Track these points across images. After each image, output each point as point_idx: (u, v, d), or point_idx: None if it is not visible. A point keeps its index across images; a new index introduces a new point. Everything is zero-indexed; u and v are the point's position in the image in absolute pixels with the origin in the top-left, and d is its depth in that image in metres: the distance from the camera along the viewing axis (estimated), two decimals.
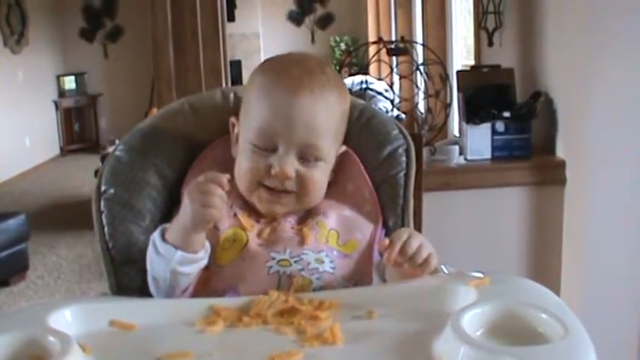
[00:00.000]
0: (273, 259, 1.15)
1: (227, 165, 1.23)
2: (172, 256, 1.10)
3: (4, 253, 4.61)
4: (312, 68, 1.21)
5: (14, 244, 4.70)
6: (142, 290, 1.18)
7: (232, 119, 1.27)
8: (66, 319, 0.99)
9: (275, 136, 1.17)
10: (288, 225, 1.21)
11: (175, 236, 1.11)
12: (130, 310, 1.05)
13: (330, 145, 1.22)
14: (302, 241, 1.18)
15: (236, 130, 1.26)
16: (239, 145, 1.23)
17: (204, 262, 1.13)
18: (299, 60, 1.24)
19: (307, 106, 1.16)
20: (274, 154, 1.17)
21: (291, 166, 1.17)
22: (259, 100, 1.19)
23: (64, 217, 6.62)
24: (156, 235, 1.13)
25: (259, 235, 1.19)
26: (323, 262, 1.17)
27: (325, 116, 1.19)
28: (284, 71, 1.20)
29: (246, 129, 1.21)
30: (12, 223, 4.72)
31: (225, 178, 1.07)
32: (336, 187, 1.27)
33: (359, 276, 1.18)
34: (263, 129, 1.17)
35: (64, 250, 5.54)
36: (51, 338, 0.89)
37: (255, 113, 1.19)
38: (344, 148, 1.28)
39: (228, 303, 1.05)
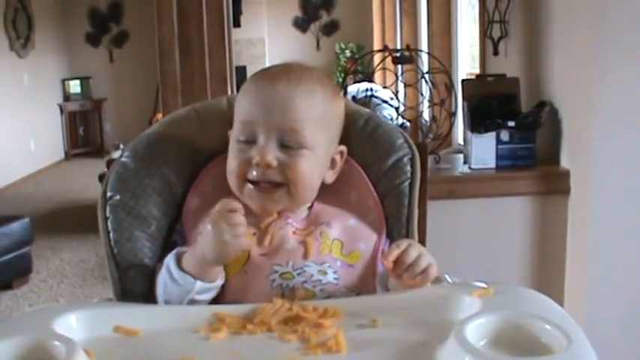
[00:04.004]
0: (276, 272, 1.15)
1: (226, 183, 1.24)
2: (191, 286, 1.11)
3: (8, 257, 4.62)
4: (292, 67, 1.24)
5: (18, 247, 4.70)
6: (146, 296, 1.19)
7: (230, 132, 1.27)
8: (71, 325, 1.00)
9: (254, 125, 1.17)
10: (290, 229, 1.20)
11: (194, 266, 1.11)
12: (135, 316, 1.06)
13: (315, 134, 1.19)
14: (305, 253, 1.17)
15: None
16: (229, 148, 1.24)
17: (222, 282, 1.14)
18: (284, 64, 1.28)
19: (283, 92, 1.17)
20: (255, 145, 1.18)
21: (272, 153, 1.16)
22: (242, 99, 1.22)
23: (67, 221, 6.64)
24: (171, 262, 1.13)
25: (260, 243, 1.18)
26: (326, 273, 1.17)
27: (303, 102, 1.18)
28: (266, 72, 1.24)
29: (234, 129, 1.22)
30: (16, 226, 4.73)
31: (238, 204, 1.09)
32: (339, 196, 1.27)
33: (363, 286, 1.18)
34: (243, 121, 1.19)
35: (67, 254, 5.55)
36: (56, 343, 0.89)
37: (238, 110, 1.22)
38: (343, 147, 1.28)
39: (232, 310, 1.05)
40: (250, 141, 1.18)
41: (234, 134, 1.21)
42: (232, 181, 1.21)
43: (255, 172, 1.17)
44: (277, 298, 1.07)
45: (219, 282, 1.13)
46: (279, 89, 1.18)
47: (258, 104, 1.18)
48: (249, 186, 1.18)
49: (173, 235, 1.27)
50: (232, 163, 1.21)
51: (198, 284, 1.10)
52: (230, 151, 1.22)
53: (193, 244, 1.13)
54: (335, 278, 1.17)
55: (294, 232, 1.20)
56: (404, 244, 1.09)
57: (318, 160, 1.22)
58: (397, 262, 1.07)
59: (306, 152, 1.19)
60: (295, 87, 1.18)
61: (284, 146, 1.17)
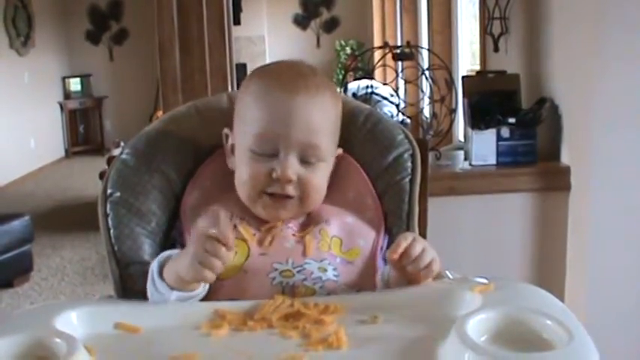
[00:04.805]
0: (276, 269, 1.15)
1: (224, 179, 1.24)
2: (169, 295, 1.08)
3: (9, 255, 4.62)
4: (304, 71, 1.21)
5: (18, 245, 4.71)
6: (147, 293, 1.18)
7: (225, 130, 1.26)
8: (72, 322, 1.00)
9: (275, 139, 1.16)
10: (290, 232, 1.20)
11: (172, 278, 1.08)
12: (136, 312, 1.06)
13: (329, 145, 1.21)
14: (304, 251, 1.17)
15: (230, 142, 1.25)
16: (237, 154, 1.23)
17: (204, 293, 1.11)
18: (290, 65, 1.25)
19: (305, 106, 1.16)
20: (275, 159, 1.16)
21: (293, 168, 1.16)
22: (255, 106, 1.18)
23: (68, 218, 6.64)
24: (154, 269, 1.11)
25: (260, 243, 1.18)
26: (326, 270, 1.16)
27: (322, 115, 1.19)
28: (278, 76, 1.20)
29: (243, 136, 1.20)
30: (16, 224, 4.73)
31: (232, 239, 1.03)
32: (337, 194, 1.27)
33: (362, 283, 1.18)
34: (262, 134, 1.16)
35: (68, 252, 5.55)
36: (57, 340, 0.89)
37: (252, 119, 1.18)
38: (340, 150, 1.28)
39: (233, 307, 1.05)
40: (268, 154, 1.17)
41: (246, 143, 1.18)
42: (245, 191, 1.20)
43: (275, 187, 1.17)
44: (278, 295, 1.07)
45: (199, 291, 1.10)
46: (299, 102, 1.16)
47: (278, 118, 1.16)
48: (266, 197, 1.18)
49: (172, 232, 1.27)
50: (245, 174, 1.19)
51: (175, 294, 1.08)
52: (241, 160, 1.20)
53: (177, 254, 1.10)
54: (335, 275, 1.17)
55: (293, 235, 1.20)
56: (410, 237, 1.09)
57: (329, 169, 1.24)
58: (402, 254, 1.07)
59: (322, 165, 1.20)
60: (313, 99, 1.17)
61: (303, 160, 1.18)
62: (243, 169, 1.20)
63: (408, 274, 1.09)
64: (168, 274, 1.09)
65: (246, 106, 1.21)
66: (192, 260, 1.03)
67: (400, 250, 1.07)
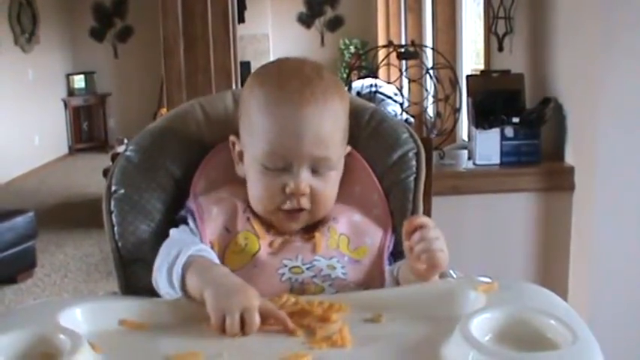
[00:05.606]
0: (285, 266, 1.15)
1: (232, 170, 1.24)
2: (177, 291, 1.07)
3: (12, 251, 4.63)
4: (310, 76, 1.17)
5: (22, 241, 4.72)
6: (151, 289, 1.17)
7: (232, 138, 1.24)
8: (76, 318, 1.00)
9: (286, 154, 1.14)
10: (299, 235, 1.20)
11: (193, 288, 1.05)
12: (140, 309, 1.06)
13: (339, 152, 1.21)
14: (314, 248, 1.17)
15: (237, 148, 1.24)
16: (246, 163, 1.21)
17: None
18: (296, 68, 1.20)
19: (314, 117, 1.14)
20: (286, 172, 1.15)
21: (305, 181, 1.15)
22: (263, 118, 1.16)
23: (71, 215, 6.65)
24: (179, 265, 1.07)
25: (270, 244, 1.18)
26: (335, 268, 1.16)
27: (332, 125, 1.17)
28: (284, 84, 1.16)
29: (253, 148, 1.18)
30: (20, 220, 4.74)
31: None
32: (343, 191, 1.26)
33: (370, 281, 1.18)
34: (272, 150, 1.15)
35: (71, 249, 5.56)
36: (61, 336, 0.89)
37: (261, 132, 1.16)
38: (349, 148, 1.27)
39: None
40: (280, 168, 1.15)
41: (256, 156, 1.17)
42: (260, 207, 1.19)
43: (289, 203, 1.16)
44: (283, 293, 1.07)
45: None
46: (309, 114, 1.13)
47: (288, 133, 1.14)
48: (280, 213, 1.17)
49: (181, 212, 1.24)
50: (258, 189, 1.18)
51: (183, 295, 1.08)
52: (252, 174, 1.19)
53: (210, 266, 1.09)
54: (343, 273, 1.17)
55: (302, 237, 1.20)
56: (432, 222, 1.09)
57: (339, 176, 1.23)
58: (417, 228, 1.07)
59: (333, 174, 1.20)
60: (323, 107, 1.14)
61: (314, 171, 1.17)
62: (255, 185, 1.18)
63: (415, 262, 1.08)
64: (190, 281, 1.06)
65: (252, 116, 1.18)
66: (219, 309, 0.98)
67: (418, 221, 1.07)
